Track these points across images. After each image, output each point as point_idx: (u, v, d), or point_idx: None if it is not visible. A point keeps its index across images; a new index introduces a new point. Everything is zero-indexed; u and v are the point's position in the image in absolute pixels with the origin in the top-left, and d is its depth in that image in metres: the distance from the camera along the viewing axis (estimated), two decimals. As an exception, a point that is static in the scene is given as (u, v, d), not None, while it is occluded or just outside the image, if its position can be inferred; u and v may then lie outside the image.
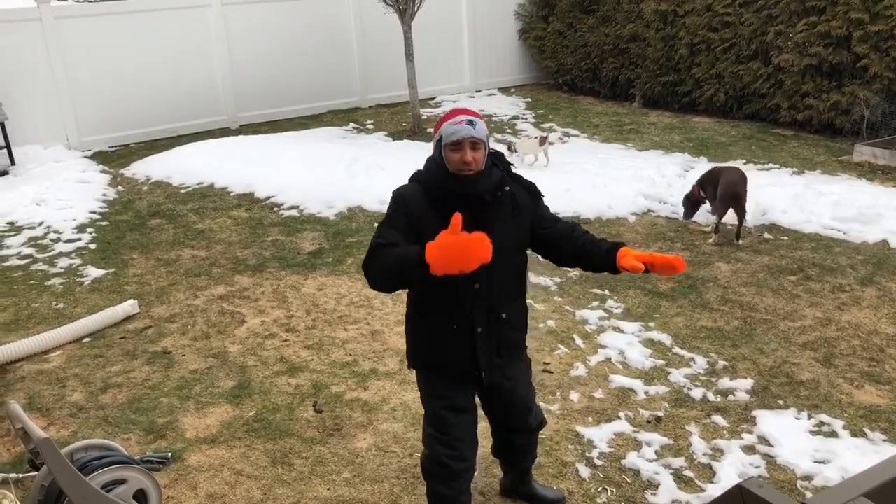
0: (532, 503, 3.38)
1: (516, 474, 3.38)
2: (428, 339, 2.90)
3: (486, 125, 2.79)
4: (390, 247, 2.65)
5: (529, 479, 3.38)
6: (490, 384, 2.90)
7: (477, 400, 3.03)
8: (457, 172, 2.73)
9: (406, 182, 2.88)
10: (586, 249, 2.84)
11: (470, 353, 2.82)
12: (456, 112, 2.80)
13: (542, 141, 8.38)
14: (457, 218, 2.44)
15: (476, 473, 3.14)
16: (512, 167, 2.93)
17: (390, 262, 2.61)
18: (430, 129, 10.38)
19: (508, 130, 10.40)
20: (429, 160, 2.86)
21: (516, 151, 8.35)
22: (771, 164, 8.26)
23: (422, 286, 2.80)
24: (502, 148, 8.13)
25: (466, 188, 2.72)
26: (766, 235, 6.43)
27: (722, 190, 6.19)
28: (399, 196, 2.82)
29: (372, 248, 2.70)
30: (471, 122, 2.71)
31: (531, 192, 2.91)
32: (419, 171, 2.87)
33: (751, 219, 6.73)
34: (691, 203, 6.62)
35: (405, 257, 2.57)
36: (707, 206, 6.60)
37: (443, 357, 2.87)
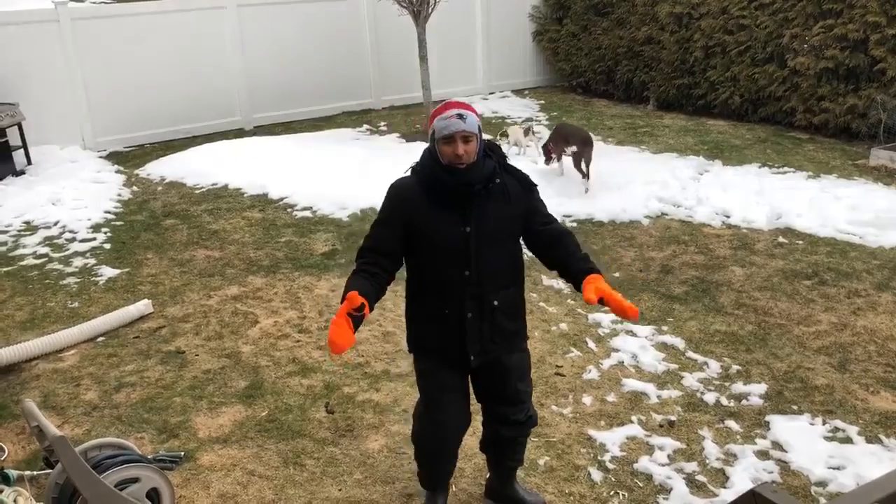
0: None
1: (501, 473, 3.36)
2: (421, 324, 3.03)
3: (476, 117, 2.84)
4: (369, 255, 2.86)
5: (513, 481, 3.39)
6: (481, 367, 2.99)
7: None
8: (449, 165, 2.81)
9: (406, 172, 2.98)
10: (564, 263, 2.93)
11: (460, 339, 2.91)
12: (448, 106, 2.87)
13: (527, 132, 8.87)
14: (352, 297, 2.59)
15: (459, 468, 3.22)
16: (507, 159, 2.99)
17: (345, 285, 2.78)
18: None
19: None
20: (424, 152, 2.95)
21: (507, 136, 9.03)
22: (786, 168, 8.21)
23: (414, 272, 2.97)
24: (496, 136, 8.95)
25: (458, 179, 2.81)
26: (781, 239, 6.39)
27: (576, 140, 7.71)
28: (394, 190, 2.96)
29: (360, 248, 2.93)
30: (461, 116, 2.78)
31: (524, 184, 2.96)
32: (417, 162, 2.95)
33: (765, 222, 6.70)
34: (546, 153, 8.12)
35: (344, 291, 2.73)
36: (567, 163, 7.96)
37: (434, 341, 2.99)
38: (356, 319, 2.64)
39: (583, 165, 7.65)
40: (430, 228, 2.86)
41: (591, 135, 8.08)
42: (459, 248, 2.84)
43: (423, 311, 3.01)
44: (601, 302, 2.72)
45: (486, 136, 3.01)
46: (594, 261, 2.94)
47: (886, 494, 1.42)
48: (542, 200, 3.02)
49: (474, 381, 3.12)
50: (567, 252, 2.92)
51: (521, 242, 3.01)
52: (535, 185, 3.00)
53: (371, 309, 2.71)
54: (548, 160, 8.19)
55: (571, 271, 2.89)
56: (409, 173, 2.96)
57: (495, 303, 2.90)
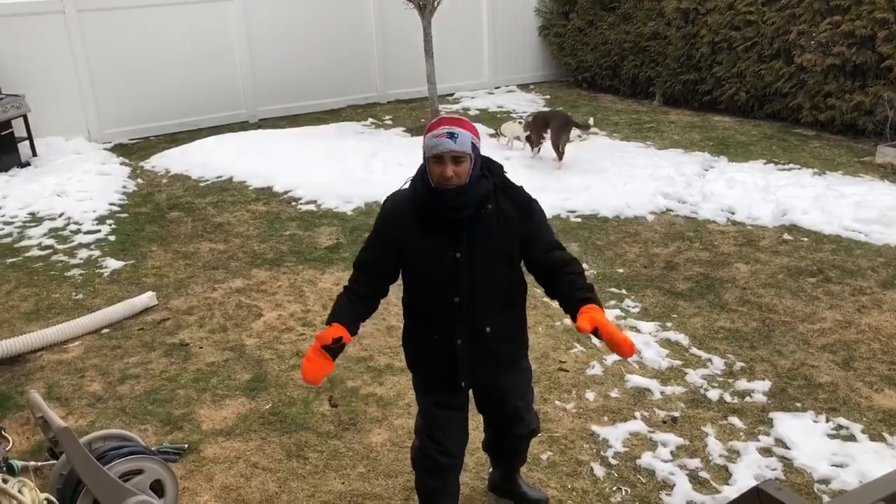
0: (515, 501, 3.39)
1: (504, 471, 3.38)
2: (414, 345, 2.97)
3: (472, 135, 2.64)
4: (362, 276, 2.86)
5: (516, 476, 3.39)
6: (475, 390, 2.94)
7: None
8: (437, 187, 2.65)
9: (405, 184, 2.84)
10: (563, 293, 2.71)
11: (449, 364, 2.83)
12: (441, 122, 2.67)
13: (527, 126, 8.83)
14: (323, 336, 2.63)
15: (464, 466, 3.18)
16: (506, 177, 2.80)
17: (332, 308, 2.85)
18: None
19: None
20: (419, 168, 2.78)
21: (504, 135, 9.13)
22: (792, 165, 8.19)
23: (406, 294, 2.91)
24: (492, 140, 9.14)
25: (446, 203, 2.64)
26: (786, 236, 6.37)
27: (556, 123, 8.21)
28: (386, 207, 2.85)
29: (356, 261, 2.91)
30: (451, 135, 2.58)
31: (522, 209, 2.75)
32: (415, 175, 2.79)
33: (770, 219, 6.68)
34: (530, 142, 8.60)
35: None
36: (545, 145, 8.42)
37: (425, 364, 2.94)
38: (334, 350, 2.66)
39: (561, 147, 8.15)
40: (418, 252, 2.75)
41: (571, 116, 8.58)
42: (448, 274, 2.71)
43: (413, 335, 2.95)
44: (595, 333, 2.51)
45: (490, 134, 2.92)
46: (596, 293, 2.71)
47: (890, 492, 1.42)
48: (545, 224, 2.82)
49: (473, 395, 3.05)
50: (567, 281, 2.69)
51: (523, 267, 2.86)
52: (536, 208, 2.79)
53: (354, 333, 2.74)
54: (532, 147, 8.57)
55: (569, 301, 2.66)
56: (407, 185, 2.82)
57: (487, 329, 2.78)
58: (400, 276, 2.92)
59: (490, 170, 2.75)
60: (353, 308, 2.82)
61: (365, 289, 2.85)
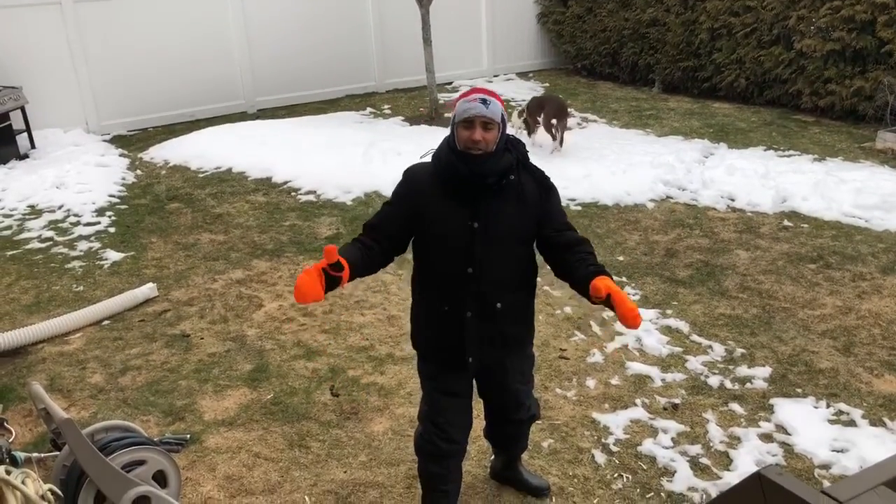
0: (517, 488, 3.41)
1: (505, 458, 3.40)
2: (423, 320, 2.95)
3: (501, 107, 2.73)
4: (370, 232, 2.82)
5: (517, 463, 3.41)
6: (479, 370, 2.91)
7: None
8: (464, 151, 2.70)
9: (425, 155, 2.92)
10: (573, 268, 2.69)
11: (457, 339, 2.82)
12: (474, 90, 2.77)
13: (521, 114, 8.88)
14: (329, 250, 2.51)
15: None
16: (528, 156, 2.85)
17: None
18: (448, 114, 10.36)
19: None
20: (442, 141, 2.84)
21: (510, 121, 9.18)
22: (792, 151, 8.17)
23: (419, 266, 2.88)
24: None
25: (471, 168, 2.68)
26: (786, 223, 6.37)
27: (551, 108, 8.27)
28: (408, 174, 2.86)
29: (365, 223, 2.89)
30: (484, 102, 2.67)
31: (541, 185, 2.81)
32: (438, 147, 2.86)
33: (770, 206, 6.68)
34: (527, 126, 8.64)
35: None
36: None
37: (434, 339, 2.91)
38: (331, 280, 2.54)
39: (554, 131, 8.23)
40: (436, 219, 2.75)
41: (566, 102, 8.82)
42: (464, 243, 2.72)
43: (423, 306, 2.93)
44: (606, 303, 2.48)
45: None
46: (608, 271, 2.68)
47: (890, 477, 1.42)
48: (560, 207, 2.87)
49: (476, 380, 3.05)
50: (578, 258, 2.69)
51: (535, 248, 2.87)
52: (554, 191, 2.84)
53: (351, 277, 2.63)
54: (530, 133, 8.62)
55: (580, 275, 2.63)
56: (428, 159, 2.87)
57: (498, 305, 2.78)
58: (409, 251, 2.91)
59: (514, 145, 2.81)
60: (357, 251, 2.74)
61: (371, 242, 2.79)
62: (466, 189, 2.71)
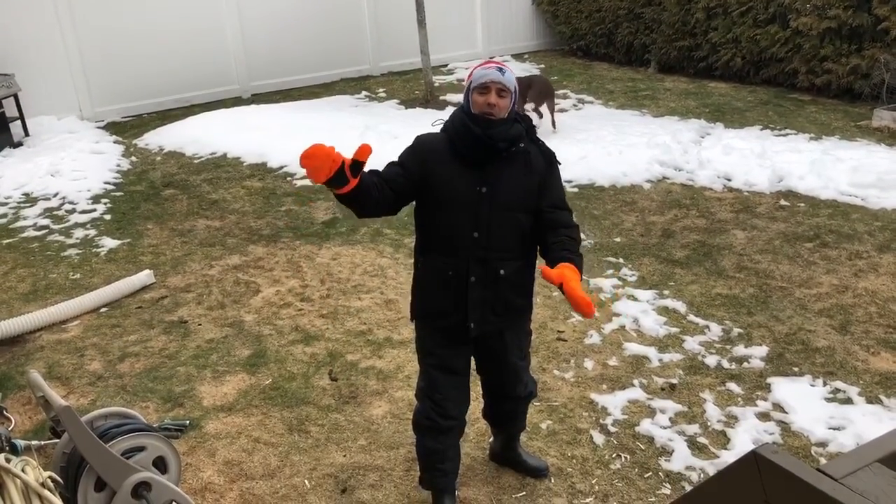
0: (516, 469, 3.42)
1: (504, 438, 3.41)
2: (425, 285, 2.96)
3: (514, 80, 2.82)
4: (377, 175, 2.77)
5: (516, 444, 3.42)
6: (479, 337, 2.92)
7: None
8: (479, 115, 2.77)
9: (436, 122, 2.98)
10: (551, 247, 2.78)
11: (462, 302, 2.85)
12: (490, 61, 2.89)
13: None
14: (363, 149, 2.47)
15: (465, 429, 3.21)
16: (535, 130, 2.93)
17: None
18: (443, 97, 10.31)
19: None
20: (454, 111, 2.91)
21: None
22: (788, 130, 8.16)
23: (423, 230, 2.92)
24: None
25: (485, 130, 2.75)
26: (783, 202, 6.37)
27: (538, 88, 8.34)
28: (419, 139, 2.92)
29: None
30: (500, 70, 2.78)
31: (547, 157, 2.89)
32: (449, 117, 2.91)
33: (767, 185, 6.67)
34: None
35: None
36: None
37: (437, 304, 2.92)
38: (340, 174, 2.49)
39: (541, 110, 8.35)
40: (445, 182, 2.80)
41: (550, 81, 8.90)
42: (471, 207, 2.78)
43: (427, 272, 2.93)
44: (561, 289, 2.54)
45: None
46: (582, 261, 2.75)
47: (886, 454, 1.43)
48: (560, 183, 2.94)
49: (474, 356, 3.07)
50: (559, 240, 2.77)
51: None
52: (557, 166, 2.92)
53: (355, 192, 2.59)
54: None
55: (549, 259, 2.75)
56: (438, 128, 2.93)
57: (501, 271, 2.83)
58: (412, 216, 2.93)
59: (522, 118, 2.91)
60: (372, 178, 2.72)
61: (381, 183, 2.76)
62: (477, 152, 2.78)
